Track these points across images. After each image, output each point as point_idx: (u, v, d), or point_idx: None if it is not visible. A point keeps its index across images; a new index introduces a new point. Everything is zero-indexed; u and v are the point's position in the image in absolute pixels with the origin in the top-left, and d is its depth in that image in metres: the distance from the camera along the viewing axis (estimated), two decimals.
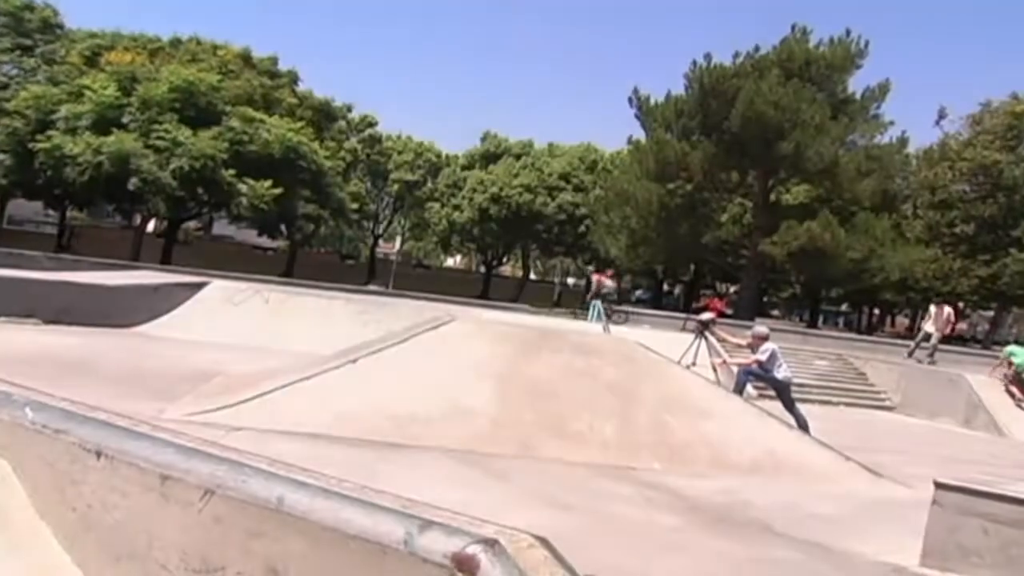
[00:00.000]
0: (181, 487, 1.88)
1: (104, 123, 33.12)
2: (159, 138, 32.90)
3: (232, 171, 33.90)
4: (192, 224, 50.60)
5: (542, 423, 8.71)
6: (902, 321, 66.37)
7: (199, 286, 18.05)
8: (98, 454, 2.06)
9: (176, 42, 44.44)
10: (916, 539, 6.05)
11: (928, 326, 23.12)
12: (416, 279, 52.45)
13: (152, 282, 18.06)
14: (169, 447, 1.98)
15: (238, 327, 16.13)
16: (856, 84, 38.53)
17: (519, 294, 54.49)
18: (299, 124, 39.40)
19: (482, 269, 68.70)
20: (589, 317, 26.23)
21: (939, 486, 6.00)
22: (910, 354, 23.01)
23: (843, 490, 8.48)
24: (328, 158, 41.05)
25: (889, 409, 18.87)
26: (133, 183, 32.03)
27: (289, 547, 1.68)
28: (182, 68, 36.76)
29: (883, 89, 37.93)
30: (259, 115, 36.95)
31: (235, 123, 35.26)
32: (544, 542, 1.44)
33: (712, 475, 8.41)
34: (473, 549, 1.40)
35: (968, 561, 5.81)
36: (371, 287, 38.73)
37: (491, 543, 1.41)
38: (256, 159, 35.02)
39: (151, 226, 45.70)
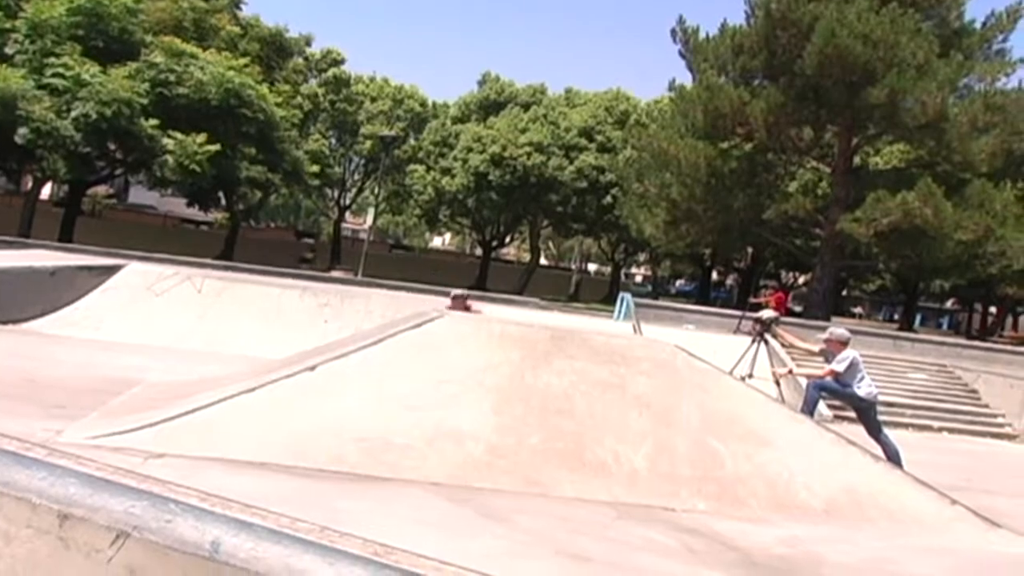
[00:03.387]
0: (86, 529, 1.89)
1: None
2: (56, 75, 32.77)
3: (154, 121, 33.87)
4: (101, 190, 50.77)
5: (553, 450, 8.73)
6: None
7: (111, 270, 18.03)
8: None
9: None
10: None
11: None
12: (394, 263, 52.76)
13: (48, 264, 18.01)
14: (71, 477, 1.99)
15: (162, 324, 16.16)
16: (975, 10, 38.35)
17: (526, 283, 54.70)
18: (242, 60, 39.41)
19: (479, 251, 68.79)
20: (616, 314, 26.26)
21: None
22: None
23: (947, 543, 8.48)
24: (280, 106, 41.10)
25: (1010, 438, 18.84)
26: (22, 135, 31.94)
27: None
28: None
29: (1013, 15, 37.53)
30: (190, 48, 36.91)
31: (158, 58, 35.22)
32: None
33: (773, 520, 8.42)
34: None
35: None
36: (335, 273, 38.82)
37: None
38: (186, 106, 35.02)
39: (46, 192, 45.76)
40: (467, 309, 16.33)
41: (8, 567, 2.04)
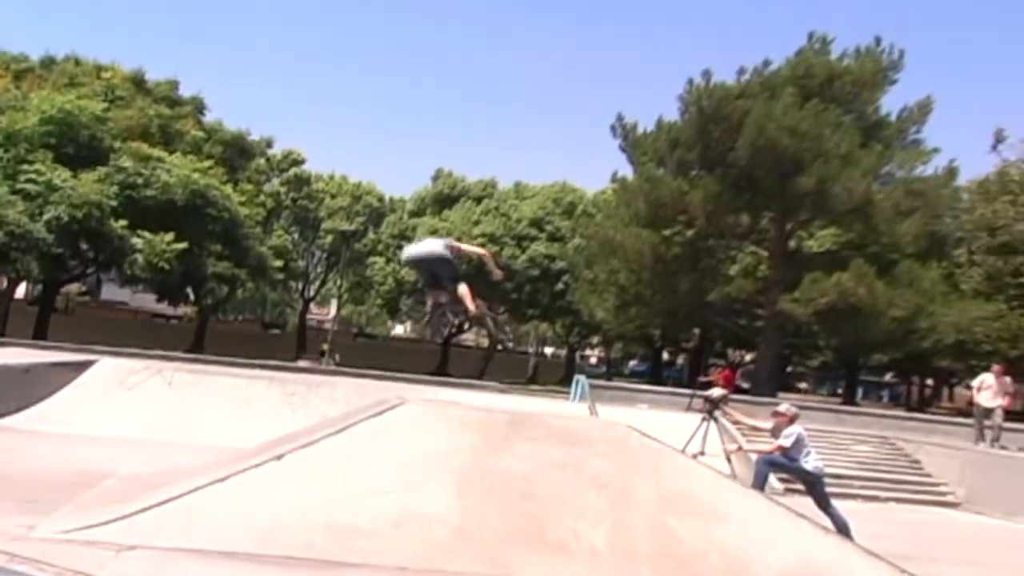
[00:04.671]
0: None
1: None
2: (29, 181, 32.68)
3: (124, 222, 33.77)
4: (74, 288, 50.35)
5: (515, 530, 8.61)
6: (963, 393, 66.78)
7: (83, 366, 17.86)
8: None
9: (49, 62, 44.65)
10: None
11: (987, 399, 22.22)
12: (358, 351, 52.33)
13: (22, 362, 17.80)
14: None
15: (134, 417, 15.95)
16: (890, 103, 39.20)
17: (485, 368, 54.45)
18: (207, 163, 39.56)
19: (439, 339, 68.68)
20: (572, 396, 26.19)
21: None
22: (980, 439, 22.23)
23: None
24: (244, 204, 41.15)
25: (952, 506, 18.81)
26: None
27: None
28: (57, 94, 36.74)
29: (924, 108, 38.60)
30: (156, 152, 36.98)
31: (126, 162, 35.26)
32: None
33: None
34: None
35: None
36: (301, 363, 38.53)
37: None
38: (154, 206, 34.97)
39: (21, 291, 45.30)
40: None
41: None
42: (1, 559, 2.07)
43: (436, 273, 11.35)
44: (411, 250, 12.26)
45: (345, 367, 31.98)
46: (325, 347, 46.37)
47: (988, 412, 22.16)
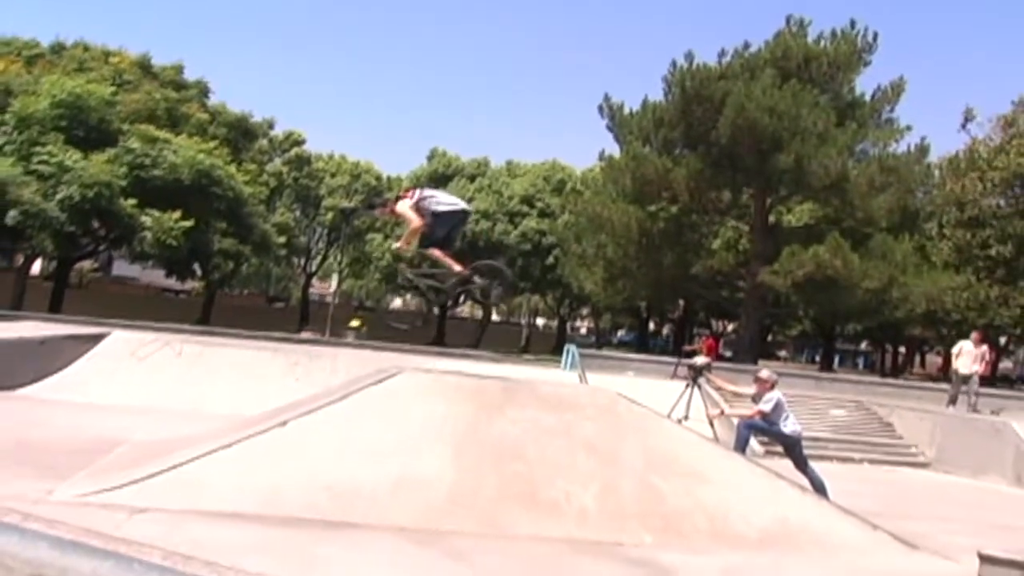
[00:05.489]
0: None
1: None
2: (42, 163, 32.58)
3: (133, 201, 33.67)
4: (87, 264, 50.18)
5: (508, 492, 8.62)
6: (933, 360, 67.05)
7: (96, 338, 17.83)
8: None
9: (59, 48, 44.31)
10: None
11: (964, 365, 22.00)
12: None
13: (38, 334, 17.78)
14: (42, 541, 1.90)
15: (145, 387, 15.95)
16: (865, 84, 39.18)
17: (480, 338, 54.48)
18: (211, 144, 39.34)
19: (436, 311, 68.69)
20: (563, 364, 26.22)
21: (985, 559, 5.97)
22: (952, 403, 22.12)
23: (871, 565, 8.44)
24: (248, 183, 40.98)
25: (922, 466, 18.90)
26: (12, 217, 31.62)
27: None
28: (67, 79, 36.53)
29: (896, 89, 38.57)
30: (163, 134, 36.81)
31: (134, 144, 35.09)
32: None
33: (713, 550, 8.34)
34: None
35: None
36: (304, 335, 38.51)
37: None
38: (161, 186, 34.84)
39: (36, 267, 45.17)
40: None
41: None
42: (15, 518, 2.06)
43: (452, 235, 10.54)
44: (453, 200, 10.86)
45: (345, 339, 31.92)
46: (355, 323, 45.43)
47: (966, 379, 21.92)
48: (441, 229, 10.34)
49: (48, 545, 1.89)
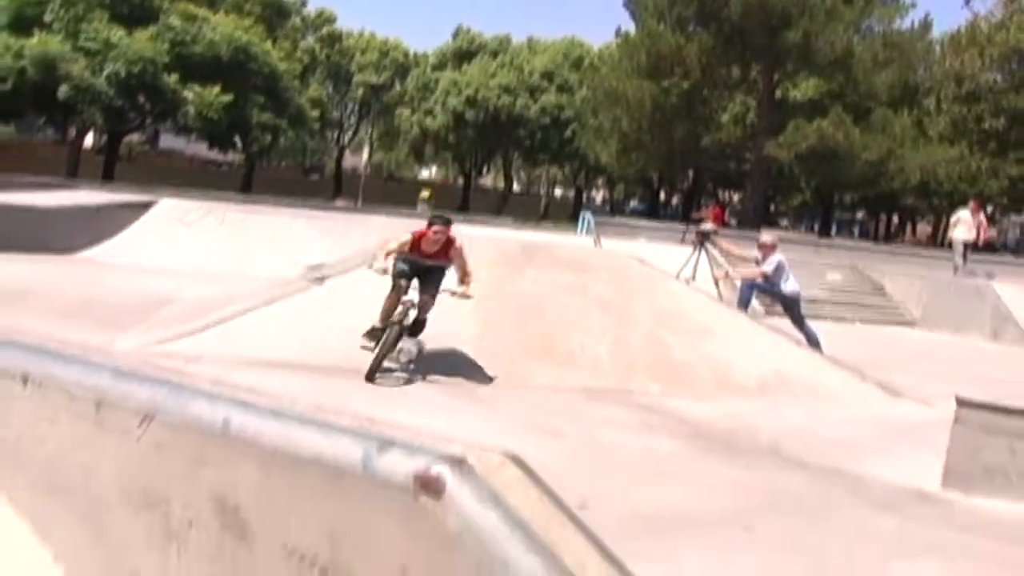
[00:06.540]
0: (117, 413, 1.86)
1: (24, 22, 32.34)
2: (89, 39, 32.18)
3: (175, 76, 33.34)
4: (136, 138, 49.98)
5: (528, 345, 8.75)
6: (924, 228, 66.64)
7: (146, 206, 17.92)
8: (24, 380, 2.04)
9: None
10: (938, 461, 6.14)
11: (963, 232, 21.51)
12: (388, 193, 52.19)
13: (93, 202, 17.91)
14: (103, 370, 1.95)
15: (192, 250, 16.09)
16: None
17: (502, 207, 54.39)
18: (248, 21, 38.66)
19: (460, 181, 68.47)
20: (579, 230, 26.20)
21: (962, 403, 6.05)
22: (956, 272, 21.24)
23: (859, 412, 8.58)
24: (282, 60, 40.43)
25: (910, 325, 18.96)
26: (63, 91, 31.38)
27: (238, 474, 1.67)
28: None
29: None
30: (202, 12, 36.22)
31: (175, 21, 34.54)
32: (517, 460, 1.42)
33: (716, 398, 8.48)
34: (438, 469, 1.38)
35: (993, 482, 5.90)
36: (338, 203, 38.50)
37: (458, 462, 1.39)
38: (201, 62, 34.43)
39: (89, 140, 45.08)
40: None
41: (56, 447, 2.03)
42: (77, 351, 2.13)
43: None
44: None
45: (377, 206, 31.81)
46: (424, 194, 44.45)
47: (966, 245, 21.62)
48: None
49: (109, 374, 1.94)
